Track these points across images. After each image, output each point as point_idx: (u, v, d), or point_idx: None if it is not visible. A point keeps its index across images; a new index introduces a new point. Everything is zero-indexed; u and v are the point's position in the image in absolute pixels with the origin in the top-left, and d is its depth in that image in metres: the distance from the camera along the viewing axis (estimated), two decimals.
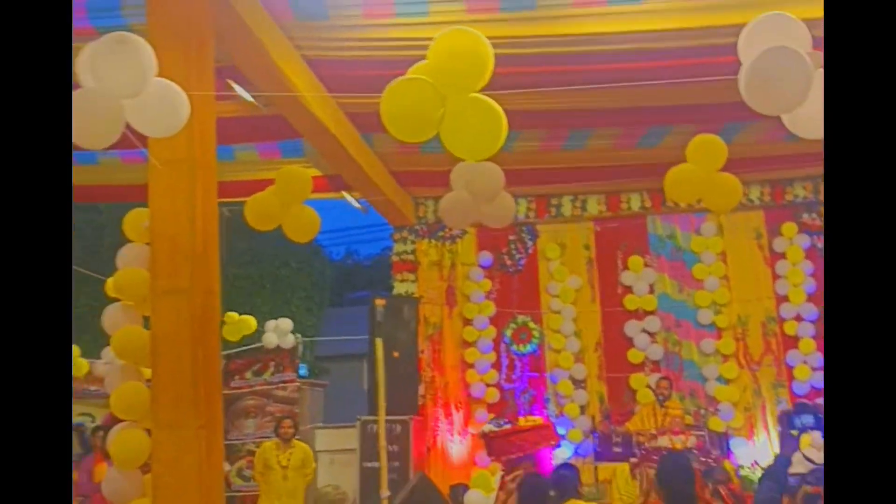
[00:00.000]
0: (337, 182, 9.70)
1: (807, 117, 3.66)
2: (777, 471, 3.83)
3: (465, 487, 8.85)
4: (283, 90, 6.82)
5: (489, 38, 4.21)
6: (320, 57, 6.96)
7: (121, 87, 3.49)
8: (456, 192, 4.72)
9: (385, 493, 6.81)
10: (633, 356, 10.32)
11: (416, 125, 3.75)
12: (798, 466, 3.96)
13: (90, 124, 3.38)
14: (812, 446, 5.91)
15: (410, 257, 10.84)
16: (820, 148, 8.03)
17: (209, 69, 5.13)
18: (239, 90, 6.51)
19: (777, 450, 3.80)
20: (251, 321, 10.90)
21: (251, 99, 6.73)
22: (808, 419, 3.87)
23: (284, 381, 11.30)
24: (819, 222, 10.27)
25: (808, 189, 10.29)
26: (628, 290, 10.55)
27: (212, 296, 4.87)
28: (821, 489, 3.62)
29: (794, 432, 3.91)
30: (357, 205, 10.25)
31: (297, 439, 9.97)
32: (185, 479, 4.51)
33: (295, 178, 5.46)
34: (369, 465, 9.24)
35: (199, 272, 4.79)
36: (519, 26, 6.53)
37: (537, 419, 9.35)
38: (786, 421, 3.93)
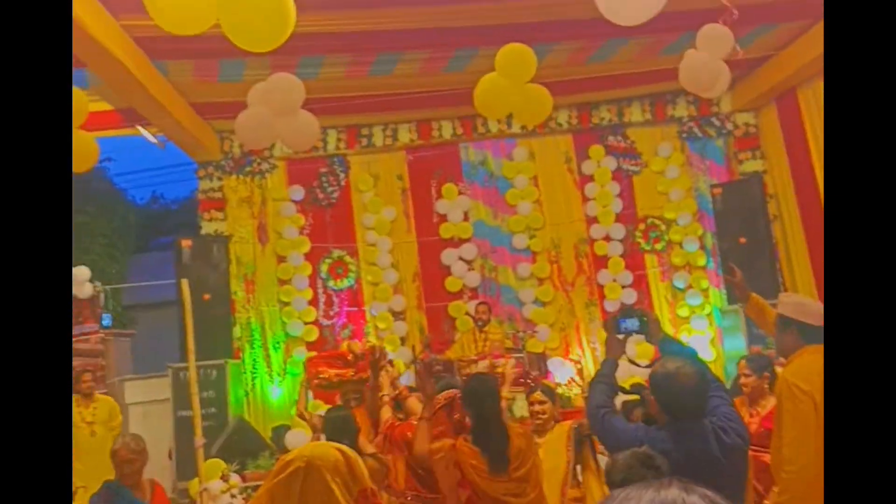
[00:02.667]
0: (131, 116, 8.98)
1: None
2: (606, 374, 3.82)
3: (288, 428, 8.58)
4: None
5: None
6: None
7: None
8: (253, 107, 4.33)
9: (200, 440, 6.40)
10: (451, 284, 10.32)
11: (187, 13, 3.31)
12: (624, 371, 3.98)
13: None
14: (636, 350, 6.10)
15: (218, 195, 10.28)
16: (624, 69, 8.10)
17: None
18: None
19: (603, 355, 3.91)
20: None
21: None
22: (634, 323, 3.87)
23: (86, 333, 10.52)
24: (623, 144, 10.55)
25: (612, 112, 10.52)
26: (443, 218, 10.49)
27: None
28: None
29: (621, 336, 3.88)
30: (154, 140, 9.53)
31: (104, 393, 9.34)
32: None
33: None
34: (184, 413, 8.78)
35: None
36: None
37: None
38: (612, 325, 3.90)
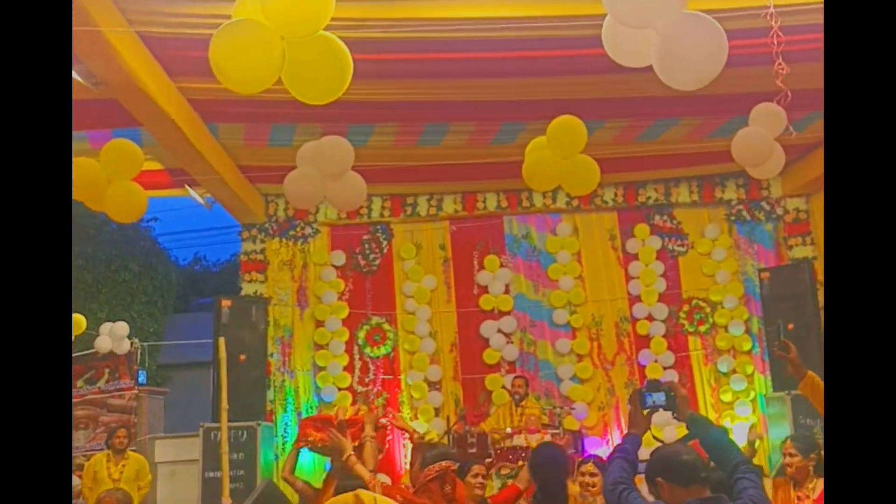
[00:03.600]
0: (180, 177, 9.11)
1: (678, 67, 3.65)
2: (627, 449, 3.71)
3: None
4: (115, 70, 6.25)
5: (339, 20, 3.88)
6: (157, 34, 6.42)
7: None
8: (301, 168, 4.35)
9: (227, 501, 6.32)
10: (489, 357, 10.19)
11: (252, 71, 3.34)
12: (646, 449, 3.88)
13: None
14: (662, 426, 5.89)
15: (260, 257, 10.33)
16: (672, 150, 8.09)
17: None
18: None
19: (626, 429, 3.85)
20: (79, 319, 10.04)
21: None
22: (660, 398, 3.78)
23: (121, 389, 10.53)
24: (669, 224, 10.46)
25: (659, 191, 10.46)
26: (484, 290, 10.42)
27: None
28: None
29: (645, 412, 3.79)
30: (201, 200, 9.65)
31: (134, 451, 9.30)
32: None
33: (122, 151, 4.95)
34: (212, 474, 8.67)
35: None
36: (372, 8, 6.24)
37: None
38: (638, 399, 3.80)
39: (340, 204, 4.89)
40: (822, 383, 4.33)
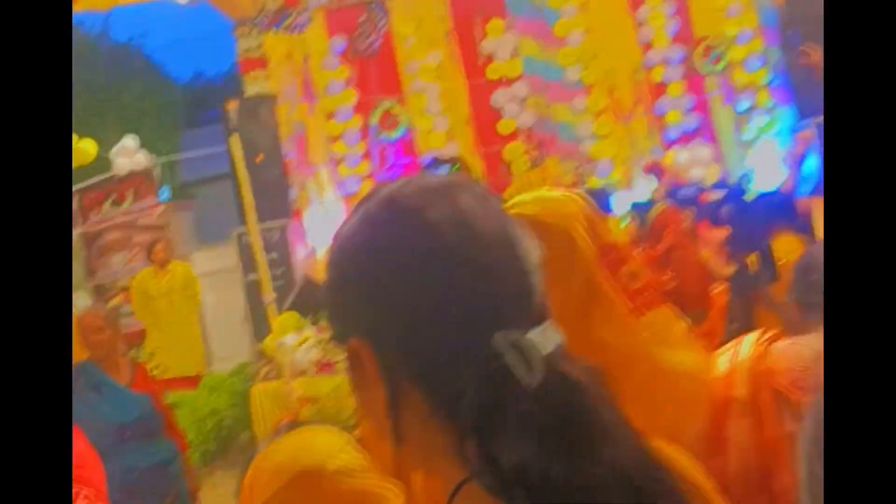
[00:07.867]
0: None
1: None
2: None
3: None
4: None
5: None
6: None
7: None
8: None
9: (270, 296, 6.41)
10: (504, 127, 10.01)
11: None
12: None
13: None
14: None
15: (257, 53, 9.98)
16: None
17: None
18: None
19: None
20: (89, 145, 9.88)
21: None
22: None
23: (147, 208, 10.57)
24: None
25: None
26: (491, 58, 10.08)
27: None
28: None
29: None
30: None
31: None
32: None
33: None
34: (253, 277, 8.81)
35: None
36: None
37: None
38: None
39: None
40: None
